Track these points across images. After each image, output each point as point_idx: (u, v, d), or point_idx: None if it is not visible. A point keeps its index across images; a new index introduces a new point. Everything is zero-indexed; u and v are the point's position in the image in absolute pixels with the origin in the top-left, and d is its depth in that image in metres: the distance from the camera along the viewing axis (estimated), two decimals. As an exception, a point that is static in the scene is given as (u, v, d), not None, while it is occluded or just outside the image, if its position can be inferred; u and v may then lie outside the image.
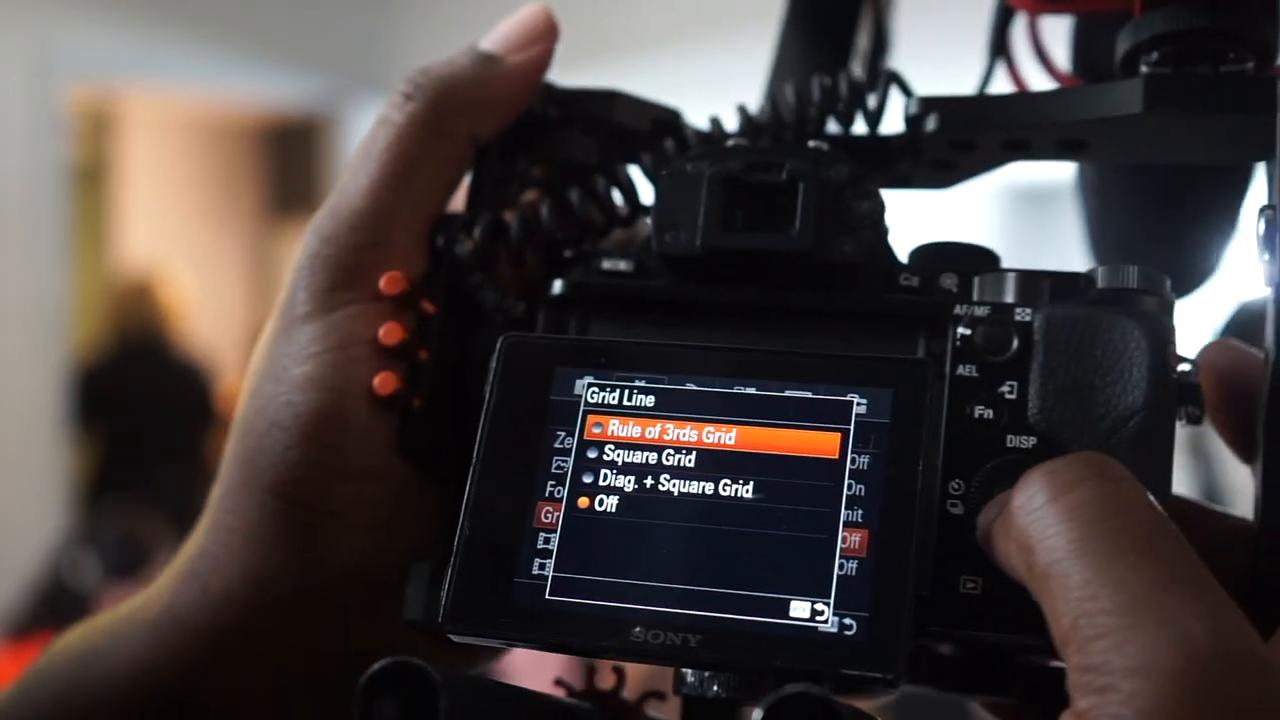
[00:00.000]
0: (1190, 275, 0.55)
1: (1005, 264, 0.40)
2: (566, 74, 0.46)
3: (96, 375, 3.90)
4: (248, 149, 5.24)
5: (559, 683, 0.42)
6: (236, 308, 5.04)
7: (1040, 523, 0.31)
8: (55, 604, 2.78)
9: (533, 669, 0.38)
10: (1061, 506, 0.31)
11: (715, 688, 0.37)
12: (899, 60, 0.55)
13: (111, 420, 3.84)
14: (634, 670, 0.43)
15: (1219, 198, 0.53)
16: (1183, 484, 0.38)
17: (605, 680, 0.42)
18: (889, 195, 0.42)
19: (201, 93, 4.44)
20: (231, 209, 5.15)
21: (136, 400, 3.80)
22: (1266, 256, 0.37)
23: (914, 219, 0.48)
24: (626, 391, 0.37)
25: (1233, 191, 0.52)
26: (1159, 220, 0.56)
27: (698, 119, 0.46)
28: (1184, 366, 0.39)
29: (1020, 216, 3.79)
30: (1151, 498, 0.32)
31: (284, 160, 5.08)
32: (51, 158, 3.74)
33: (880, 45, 0.55)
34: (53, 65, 3.68)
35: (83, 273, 4.25)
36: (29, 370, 3.65)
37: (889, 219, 0.40)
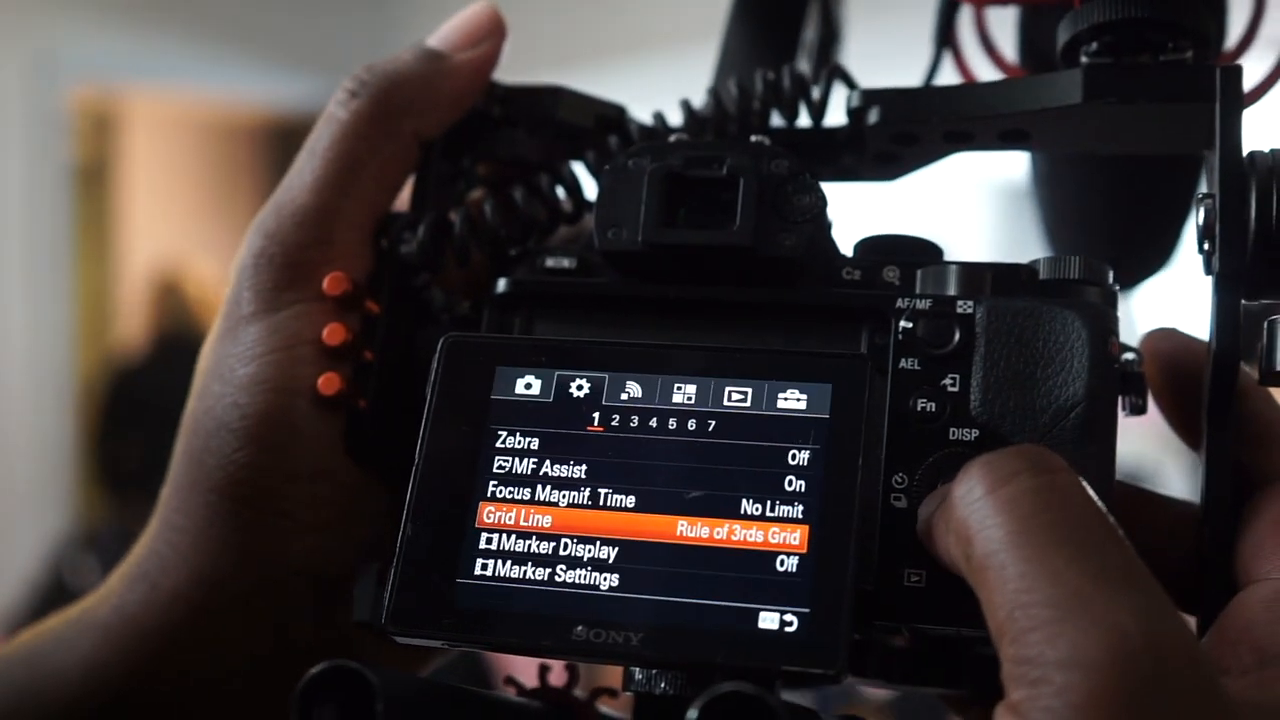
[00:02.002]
0: (1141, 264, 0.55)
1: (992, 260, 0.40)
2: (565, 77, 0.45)
3: (133, 374, 3.85)
4: (250, 150, 5.21)
5: (509, 681, 0.42)
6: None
7: (978, 514, 0.31)
8: (55, 604, 2.77)
9: (520, 660, 0.39)
10: (999, 498, 0.31)
11: (663, 685, 0.37)
12: (850, 55, 0.55)
13: (147, 419, 3.77)
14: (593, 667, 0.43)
15: (1169, 187, 0.53)
16: (1185, 484, 0.38)
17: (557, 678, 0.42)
18: (836, 188, 0.42)
19: (204, 94, 4.42)
20: (234, 209, 5.12)
21: (173, 398, 3.73)
22: (1206, 245, 0.37)
23: (899, 215, 0.48)
24: (567, 390, 0.37)
25: (1183, 181, 0.52)
26: (1109, 210, 0.56)
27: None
28: (1128, 356, 0.39)
29: (1010, 214, 3.80)
30: (1089, 490, 0.32)
31: (286, 161, 5.04)
32: (54, 158, 3.72)
33: (829, 39, 0.54)
34: (55, 66, 3.66)
35: (85, 273, 4.23)
36: (31, 371, 3.64)
37: (831, 213, 0.40)
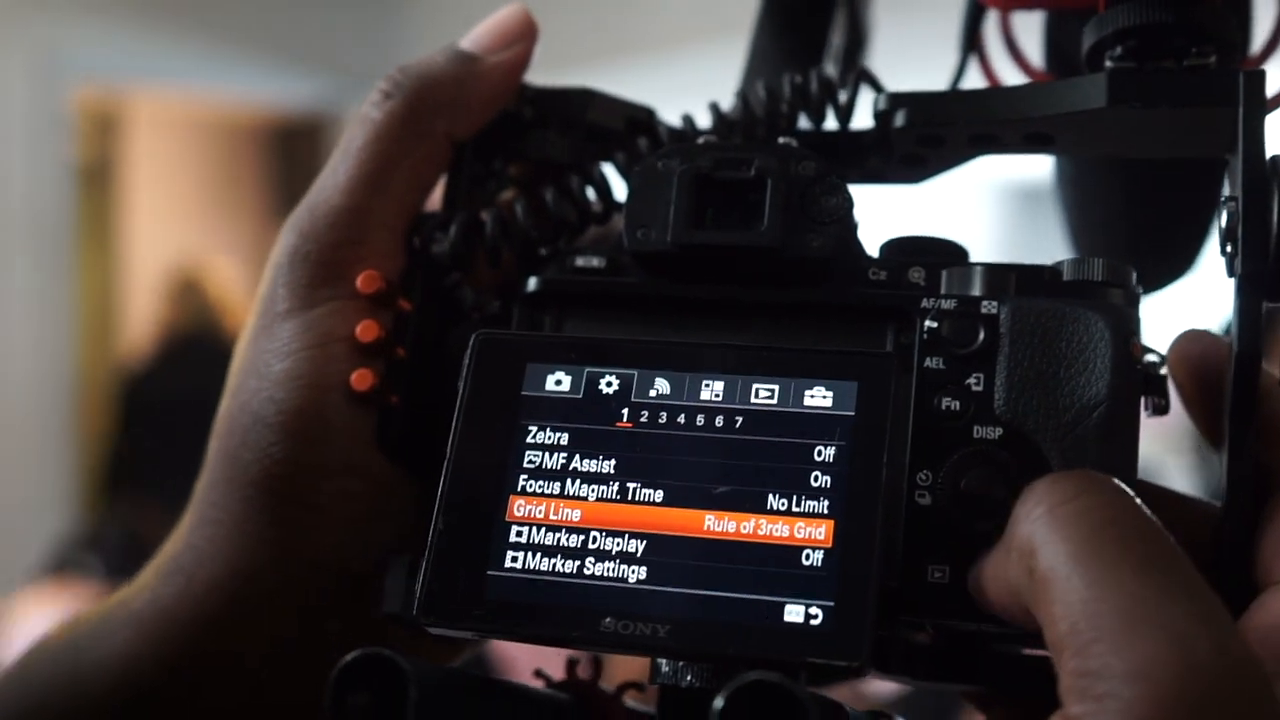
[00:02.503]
0: (1167, 268, 0.56)
1: (1001, 262, 0.41)
2: (575, 77, 0.46)
3: (148, 375, 3.86)
4: (253, 149, 5.24)
5: (538, 674, 0.43)
6: (242, 308, 5.05)
7: (1043, 530, 0.32)
8: (58, 603, 2.79)
9: (524, 657, 0.39)
10: (1064, 514, 0.31)
11: (689, 677, 0.38)
12: (876, 59, 0.55)
13: (162, 418, 3.74)
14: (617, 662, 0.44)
15: (1192, 193, 0.53)
16: (1185, 484, 0.38)
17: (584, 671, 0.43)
18: (862, 191, 0.43)
19: (207, 93, 4.44)
20: (237, 209, 5.15)
21: (190, 396, 3.72)
22: (1229, 248, 0.38)
23: (913, 217, 0.49)
24: (597, 386, 0.38)
25: (1205, 187, 0.52)
26: (1135, 213, 0.56)
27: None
28: (1150, 358, 0.40)
29: (1021, 215, 3.79)
30: (1149, 512, 0.32)
31: (289, 160, 5.09)
32: (57, 158, 3.74)
33: (856, 43, 0.55)
34: (58, 66, 3.69)
35: (88, 273, 4.25)
36: (34, 371, 3.66)
37: (857, 214, 0.41)
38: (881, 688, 1.37)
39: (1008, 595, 0.34)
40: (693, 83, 0.47)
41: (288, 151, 5.10)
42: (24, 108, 3.65)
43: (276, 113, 4.74)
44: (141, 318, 4.30)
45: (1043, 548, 0.31)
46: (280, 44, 4.13)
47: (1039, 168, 0.54)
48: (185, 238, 4.81)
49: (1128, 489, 0.32)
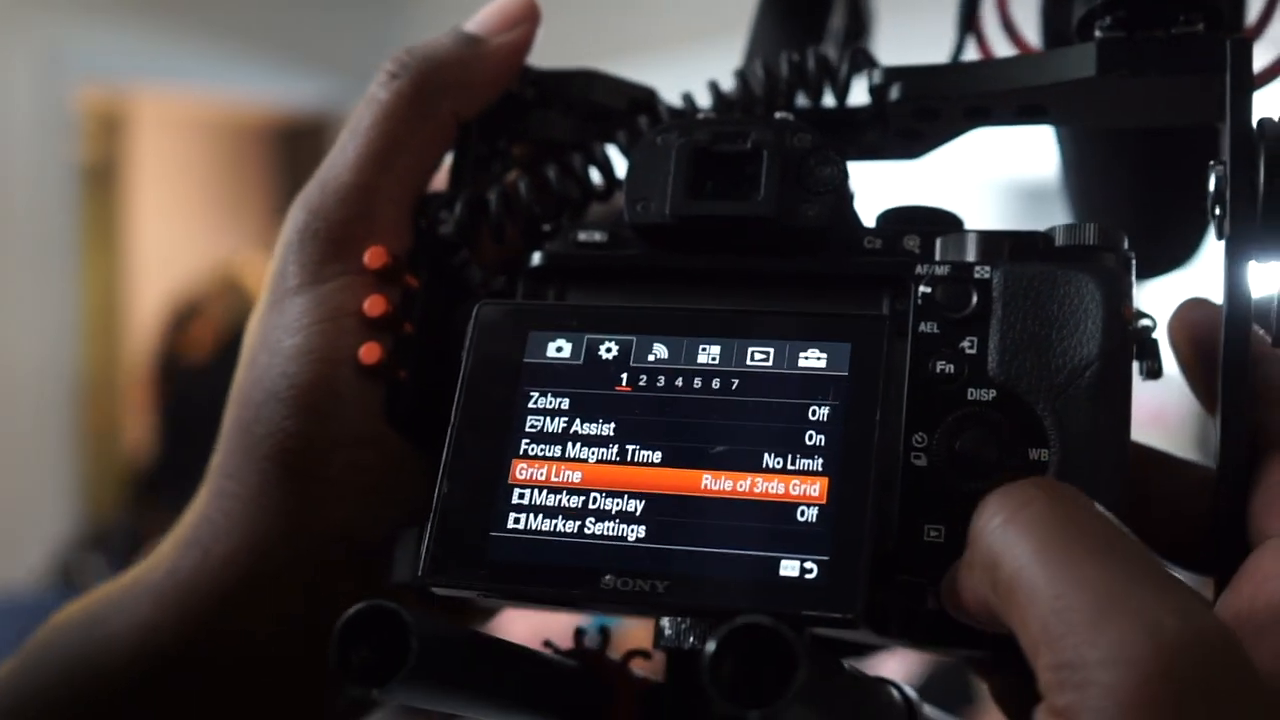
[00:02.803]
0: (1171, 253, 0.56)
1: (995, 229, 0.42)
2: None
3: (196, 375, 3.85)
4: (258, 149, 5.25)
5: (546, 644, 0.43)
6: (248, 308, 5.04)
7: (1002, 540, 0.32)
8: (61, 603, 2.79)
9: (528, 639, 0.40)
10: (1020, 522, 0.32)
11: (691, 639, 0.39)
12: (876, 44, 0.56)
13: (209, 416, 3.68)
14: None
15: (1198, 176, 0.54)
16: None
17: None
18: (860, 167, 0.43)
19: (211, 93, 4.45)
20: (242, 209, 5.16)
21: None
22: (1217, 210, 0.39)
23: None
24: (596, 352, 0.38)
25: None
26: (1139, 199, 0.57)
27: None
28: (1144, 322, 0.40)
29: (1022, 216, 3.80)
30: (1100, 508, 0.33)
31: (294, 160, 5.10)
32: (61, 158, 3.74)
33: (857, 29, 0.56)
34: (62, 66, 3.69)
35: (93, 273, 4.26)
36: (39, 370, 3.66)
37: (852, 185, 0.41)
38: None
39: (978, 606, 0.34)
40: (694, 83, 0.48)
41: (292, 151, 5.11)
42: (29, 108, 3.65)
43: (281, 112, 4.74)
44: (146, 317, 4.30)
45: (1003, 558, 0.32)
46: (285, 44, 4.14)
47: (1039, 168, 0.55)
48: (190, 237, 4.81)
49: (1076, 489, 0.33)
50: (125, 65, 3.99)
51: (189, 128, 5.04)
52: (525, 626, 1.18)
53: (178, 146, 5.08)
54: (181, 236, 4.86)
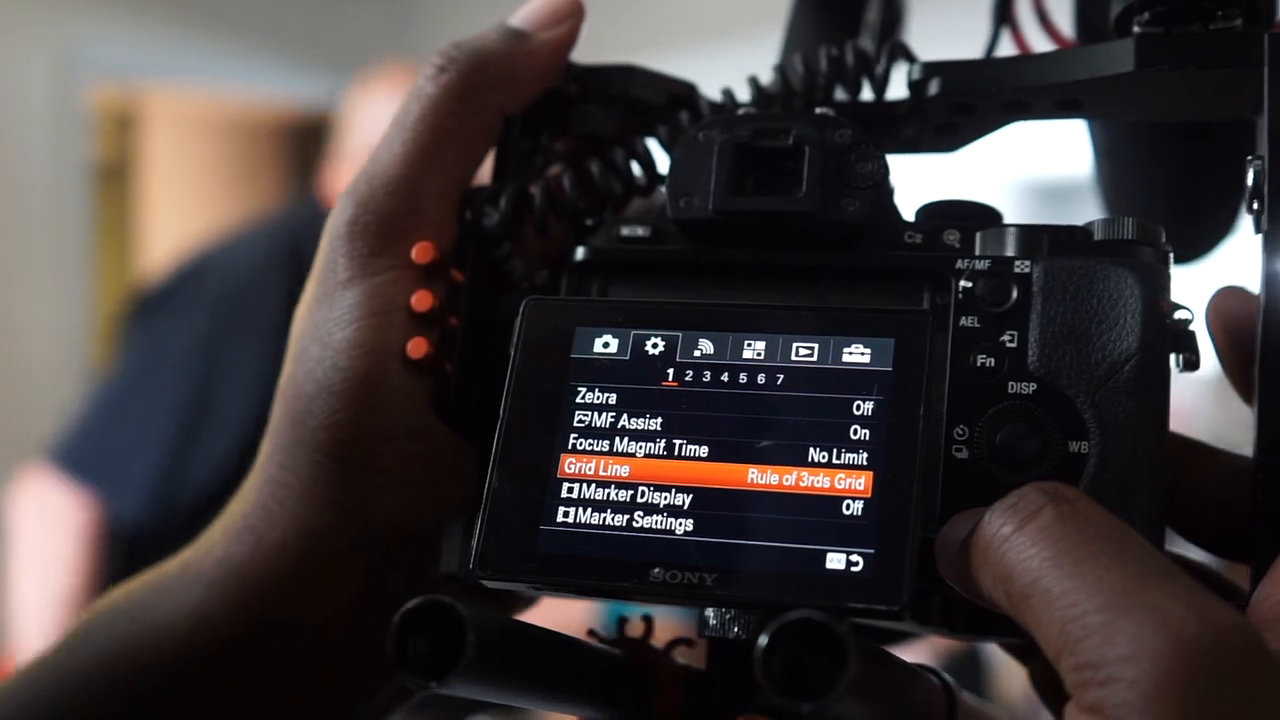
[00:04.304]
0: (1202, 238, 0.56)
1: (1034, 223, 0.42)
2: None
3: None
4: (271, 147, 5.26)
5: (591, 633, 0.44)
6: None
7: (1012, 551, 0.33)
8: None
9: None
10: (1028, 532, 0.33)
11: (736, 629, 0.39)
12: (910, 36, 0.56)
13: None
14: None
15: (1229, 163, 0.54)
16: None
17: (635, 630, 0.44)
18: (899, 160, 0.44)
19: (225, 91, 4.46)
20: (255, 207, 5.17)
21: None
22: (1255, 205, 0.39)
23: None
24: (643, 348, 0.39)
25: (1242, 156, 0.53)
26: (1171, 184, 0.57)
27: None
28: (1181, 314, 0.41)
29: (1042, 214, 3.78)
30: (1106, 511, 0.33)
31: (307, 158, 5.11)
32: (75, 156, 3.75)
33: (891, 20, 0.56)
34: (76, 65, 3.71)
35: (107, 270, 4.28)
36: (53, 368, 3.67)
37: (893, 180, 0.42)
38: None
39: (992, 604, 0.35)
40: (730, 77, 0.48)
41: (305, 149, 5.11)
42: (43, 106, 3.67)
43: (294, 111, 4.74)
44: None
45: (1015, 570, 0.33)
46: (298, 42, 4.14)
47: (1065, 167, 0.55)
48: (204, 234, 4.81)
49: (1083, 494, 0.34)
50: (139, 64, 4.00)
51: (202, 126, 5.05)
52: (539, 616, 1.18)
53: (191, 145, 5.09)
54: (195, 234, 4.87)
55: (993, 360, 0.39)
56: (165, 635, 0.45)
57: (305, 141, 5.06)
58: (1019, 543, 0.33)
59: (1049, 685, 0.42)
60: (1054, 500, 0.33)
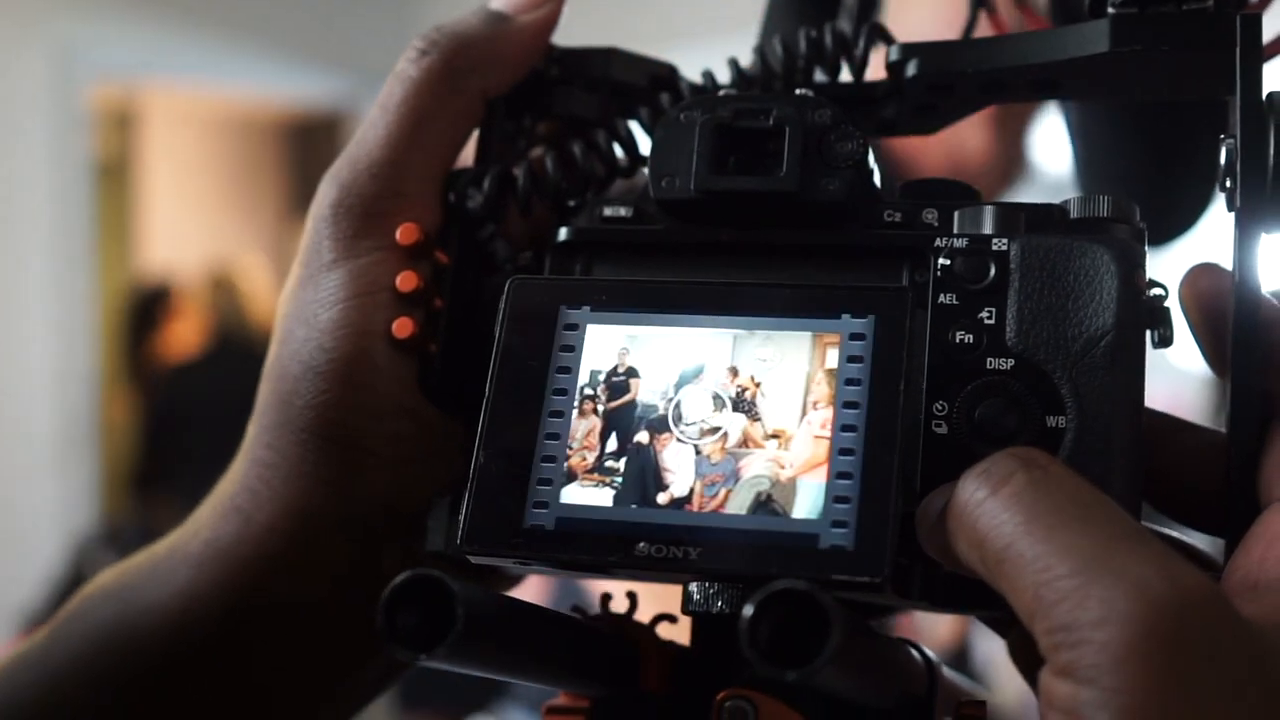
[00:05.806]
0: (1177, 217, 0.57)
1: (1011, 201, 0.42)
2: None
3: (188, 371, 3.87)
4: (270, 145, 5.26)
5: (575, 609, 0.44)
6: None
7: (986, 515, 0.33)
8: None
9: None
10: (1002, 497, 0.33)
11: (719, 603, 0.39)
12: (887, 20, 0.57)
13: (195, 416, 3.62)
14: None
15: (1202, 145, 0.55)
16: None
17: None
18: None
19: (224, 90, 4.47)
20: (254, 205, 5.18)
21: (223, 395, 3.67)
22: (1228, 183, 0.40)
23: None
24: (625, 326, 0.39)
25: (1215, 139, 0.54)
26: (1144, 167, 0.58)
27: None
28: (1155, 291, 0.41)
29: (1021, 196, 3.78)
30: (1078, 477, 0.34)
31: (306, 156, 5.11)
32: (75, 155, 3.76)
33: (869, 1, 0.57)
34: (76, 63, 3.71)
35: (106, 269, 4.28)
36: (54, 367, 3.68)
37: (871, 160, 0.42)
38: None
39: (968, 570, 0.35)
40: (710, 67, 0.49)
41: (305, 147, 5.12)
42: (43, 105, 3.67)
43: (294, 109, 4.75)
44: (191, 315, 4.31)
45: (989, 535, 0.33)
46: (298, 40, 4.15)
47: (1058, 165, 0.56)
48: (203, 233, 4.82)
49: (1055, 460, 0.34)
50: (138, 62, 4.01)
51: (202, 124, 5.05)
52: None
53: (191, 143, 5.09)
54: (195, 232, 4.87)
55: (971, 337, 0.40)
56: (155, 617, 0.45)
57: (305, 140, 5.07)
58: (992, 508, 0.33)
59: (1025, 655, 0.43)
60: (1026, 466, 0.34)
